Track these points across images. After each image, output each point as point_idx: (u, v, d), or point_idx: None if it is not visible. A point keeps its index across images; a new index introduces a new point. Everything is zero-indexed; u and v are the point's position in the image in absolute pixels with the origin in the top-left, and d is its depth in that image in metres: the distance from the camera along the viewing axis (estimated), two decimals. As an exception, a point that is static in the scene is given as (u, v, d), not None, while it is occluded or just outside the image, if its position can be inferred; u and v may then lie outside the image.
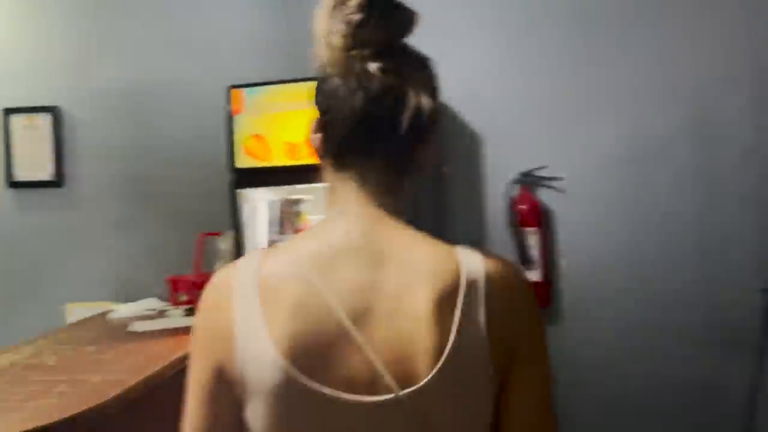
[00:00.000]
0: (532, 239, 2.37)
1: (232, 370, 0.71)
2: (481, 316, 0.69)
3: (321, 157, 0.81)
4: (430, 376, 0.67)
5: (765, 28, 2.25)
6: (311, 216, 2.50)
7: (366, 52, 0.74)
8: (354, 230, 0.73)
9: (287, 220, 2.47)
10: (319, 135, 0.80)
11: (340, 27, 0.74)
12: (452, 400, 0.68)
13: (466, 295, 0.69)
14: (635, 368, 2.39)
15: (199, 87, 2.66)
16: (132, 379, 1.48)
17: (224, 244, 2.41)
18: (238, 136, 2.34)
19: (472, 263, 0.72)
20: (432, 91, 0.77)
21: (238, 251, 2.35)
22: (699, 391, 2.35)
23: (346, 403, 0.67)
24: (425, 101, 0.75)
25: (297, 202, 2.50)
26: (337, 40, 0.74)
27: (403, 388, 0.67)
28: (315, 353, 0.68)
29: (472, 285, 0.70)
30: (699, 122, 2.34)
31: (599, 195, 2.42)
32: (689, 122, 2.34)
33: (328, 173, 0.80)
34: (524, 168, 2.44)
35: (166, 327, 2.06)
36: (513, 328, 0.71)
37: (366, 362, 0.67)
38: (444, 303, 0.68)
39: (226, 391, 0.72)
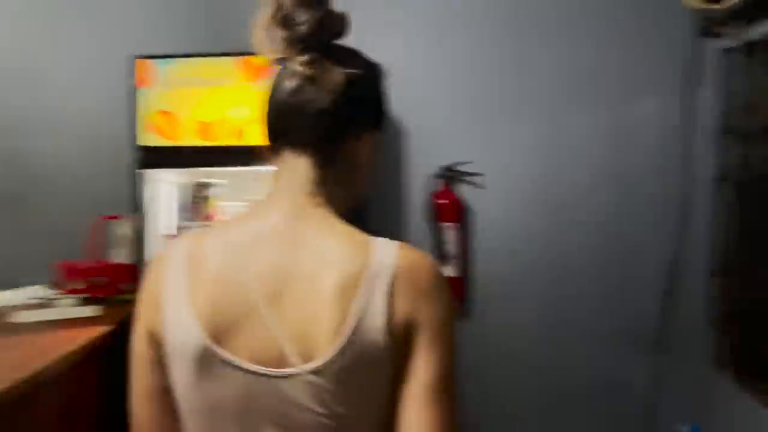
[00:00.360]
0: (451, 234, 2.34)
1: (160, 334, 0.79)
2: (382, 304, 0.74)
3: (267, 146, 0.87)
4: (327, 356, 0.73)
5: (661, 37, 2.34)
6: (222, 202, 2.35)
7: (296, 49, 0.81)
8: (279, 216, 0.80)
9: (197, 205, 2.31)
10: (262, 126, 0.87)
11: (275, 29, 0.81)
12: (349, 380, 0.74)
13: (368, 283, 0.74)
14: (545, 365, 2.44)
15: (101, 55, 2.44)
16: (11, 377, 1.30)
17: (123, 228, 2.22)
18: (142, 111, 2.15)
19: (382, 254, 0.77)
20: (345, 87, 0.81)
21: (139, 236, 2.17)
22: (605, 389, 2.42)
23: (253, 373, 0.75)
24: (336, 95, 0.80)
25: (206, 186, 2.34)
26: (274, 41, 0.81)
27: (303, 365, 0.73)
28: (229, 325, 0.75)
29: (376, 274, 0.75)
30: (614, 126, 2.40)
31: (517, 192, 2.43)
32: (605, 126, 2.40)
33: (272, 163, 0.86)
34: (446, 163, 2.41)
35: (55, 318, 1.86)
36: (413, 315, 0.75)
37: (273, 338, 0.74)
38: (347, 289, 0.74)
39: (158, 354, 0.81)
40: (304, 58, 0.80)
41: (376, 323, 0.74)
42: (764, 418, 1.93)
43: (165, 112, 2.14)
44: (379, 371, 0.75)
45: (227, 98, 2.13)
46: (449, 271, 2.33)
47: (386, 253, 0.77)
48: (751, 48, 2.10)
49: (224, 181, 2.35)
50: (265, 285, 0.76)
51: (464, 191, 2.43)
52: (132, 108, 2.16)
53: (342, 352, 0.73)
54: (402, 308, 0.75)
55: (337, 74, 0.81)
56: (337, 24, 0.83)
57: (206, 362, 0.75)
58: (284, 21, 0.81)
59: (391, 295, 0.75)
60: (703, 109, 2.32)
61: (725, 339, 2.24)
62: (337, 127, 0.82)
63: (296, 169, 0.82)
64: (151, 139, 2.15)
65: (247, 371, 0.75)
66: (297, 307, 0.75)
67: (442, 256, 2.33)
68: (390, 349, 0.74)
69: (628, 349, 2.40)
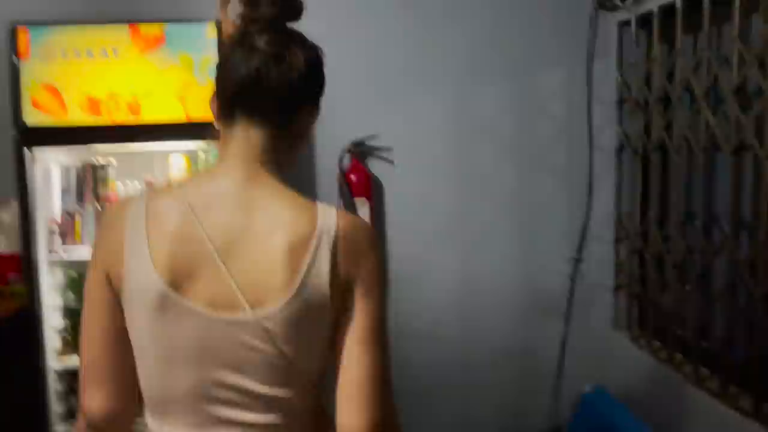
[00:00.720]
0: (363, 210, 2.31)
1: (118, 279, 0.88)
2: (326, 262, 0.86)
3: (215, 117, 0.94)
4: (278, 305, 0.84)
5: (563, 10, 2.38)
6: (117, 182, 2.20)
7: (257, 28, 0.90)
8: (233, 179, 0.89)
9: (87, 186, 2.15)
10: (214, 98, 0.94)
11: (237, 7, 0.90)
12: (296, 325, 0.85)
13: (316, 243, 0.86)
14: (457, 336, 2.47)
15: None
16: None
17: (7, 214, 2.05)
18: (25, 86, 1.97)
19: (326, 217, 0.88)
20: (305, 66, 0.91)
21: (26, 223, 2.00)
22: (514, 357, 2.48)
23: (208, 317, 0.85)
24: (299, 73, 0.90)
25: (101, 167, 2.18)
26: (235, 18, 0.91)
27: (255, 312, 0.84)
28: (186, 274, 0.85)
29: (322, 235, 0.87)
30: (520, 99, 2.43)
31: (426, 166, 2.43)
32: (512, 98, 2.42)
33: (221, 131, 0.94)
34: (356, 138, 2.36)
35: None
36: (352, 271, 0.88)
37: (227, 287, 0.85)
38: (297, 248, 0.85)
39: (114, 297, 0.89)
40: (269, 36, 0.90)
41: (322, 278, 0.86)
42: (660, 373, 2.03)
43: (49, 86, 1.98)
44: (322, 318, 0.87)
45: (119, 71, 1.99)
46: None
47: (328, 217, 0.88)
48: (645, 20, 2.16)
49: (113, 161, 2.20)
50: (220, 241, 0.86)
51: (375, 166, 2.40)
52: (14, 82, 1.98)
53: (290, 302, 0.84)
54: (343, 265, 0.87)
55: (299, 53, 0.91)
56: (296, 9, 0.94)
57: (165, 308, 0.85)
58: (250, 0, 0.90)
59: (334, 254, 0.87)
60: (604, 81, 2.38)
61: (624, 302, 2.34)
62: (296, 101, 0.92)
63: (249, 137, 0.91)
64: (36, 116, 1.98)
65: (203, 315, 0.85)
66: (250, 260, 0.85)
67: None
68: (332, 299, 0.86)
69: (537, 316, 2.47)
